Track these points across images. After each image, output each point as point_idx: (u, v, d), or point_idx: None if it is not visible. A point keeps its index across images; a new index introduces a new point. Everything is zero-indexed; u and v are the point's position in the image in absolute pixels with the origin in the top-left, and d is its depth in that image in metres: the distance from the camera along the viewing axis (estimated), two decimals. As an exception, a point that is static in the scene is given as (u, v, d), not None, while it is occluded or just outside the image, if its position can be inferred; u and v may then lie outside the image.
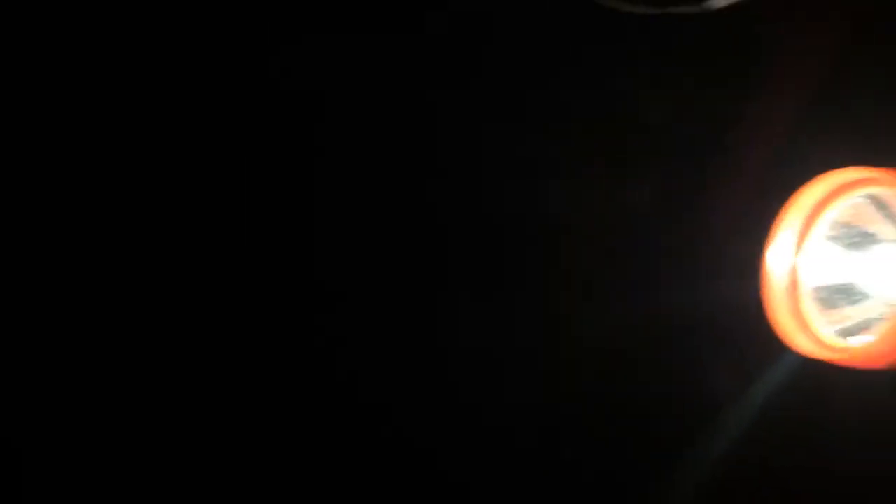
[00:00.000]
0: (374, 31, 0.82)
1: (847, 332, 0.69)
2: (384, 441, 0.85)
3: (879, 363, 0.66)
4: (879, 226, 0.68)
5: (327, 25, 0.84)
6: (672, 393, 0.84)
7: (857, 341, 0.67)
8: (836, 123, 0.77)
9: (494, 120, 0.83)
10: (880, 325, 0.66)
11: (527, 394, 0.85)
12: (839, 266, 0.70)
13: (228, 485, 0.85)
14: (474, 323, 0.84)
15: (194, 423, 0.84)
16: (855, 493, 0.76)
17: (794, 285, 0.71)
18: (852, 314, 0.69)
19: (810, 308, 0.70)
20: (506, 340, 0.84)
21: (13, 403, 0.84)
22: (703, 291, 0.82)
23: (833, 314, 0.70)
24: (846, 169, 0.68)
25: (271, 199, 0.86)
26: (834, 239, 0.70)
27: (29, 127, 0.83)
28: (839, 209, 0.70)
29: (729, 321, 0.81)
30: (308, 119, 0.85)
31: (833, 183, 0.69)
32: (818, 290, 0.70)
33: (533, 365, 0.85)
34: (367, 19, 0.82)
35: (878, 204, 0.68)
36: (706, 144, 0.84)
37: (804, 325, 0.70)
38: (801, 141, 0.79)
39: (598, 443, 0.85)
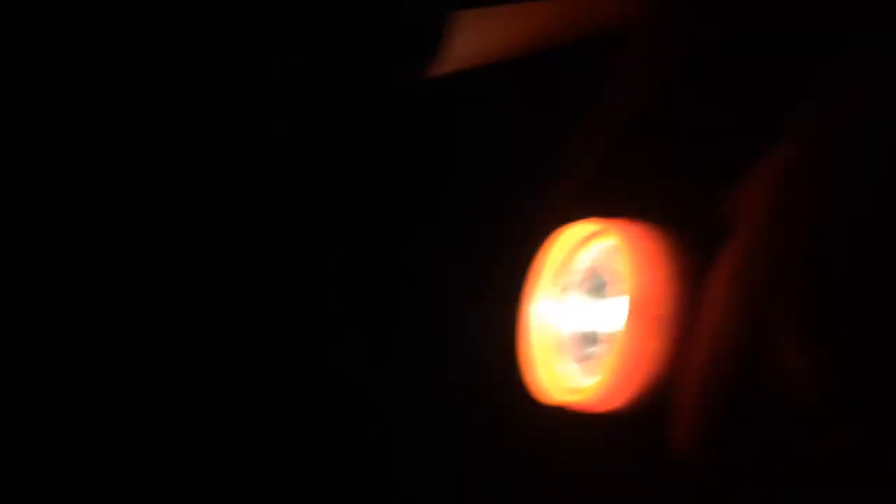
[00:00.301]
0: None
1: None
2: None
3: (605, 407, 0.67)
4: (612, 274, 0.69)
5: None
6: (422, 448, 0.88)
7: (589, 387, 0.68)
8: (577, 174, 0.78)
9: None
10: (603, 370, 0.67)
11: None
12: (585, 314, 0.71)
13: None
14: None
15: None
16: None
17: (547, 335, 0.72)
18: (591, 361, 0.70)
19: (562, 358, 0.71)
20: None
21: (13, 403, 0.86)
22: (455, 348, 0.85)
23: (580, 361, 0.71)
24: (584, 221, 0.70)
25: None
26: (580, 288, 0.72)
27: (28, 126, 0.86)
28: (583, 259, 0.72)
29: (482, 377, 0.83)
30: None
31: (574, 235, 0.71)
32: (570, 337, 0.72)
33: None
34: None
35: (612, 253, 0.70)
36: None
37: (556, 376, 0.71)
38: (540, 194, 0.80)
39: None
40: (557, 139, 0.80)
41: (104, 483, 0.88)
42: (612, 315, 0.69)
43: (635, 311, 0.66)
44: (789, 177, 0.61)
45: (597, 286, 0.71)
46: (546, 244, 0.73)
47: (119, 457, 0.88)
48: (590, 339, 0.71)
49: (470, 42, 0.83)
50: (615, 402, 0.67)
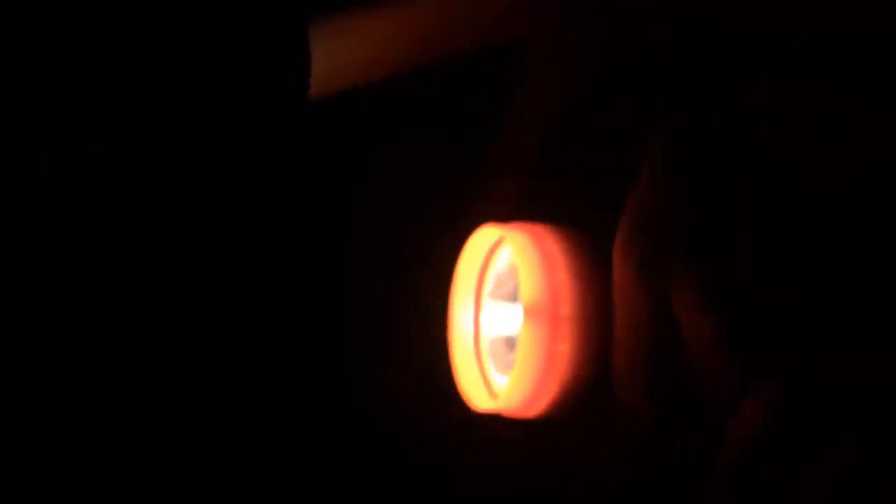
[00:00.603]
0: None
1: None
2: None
3: (528, 413, 0.67)
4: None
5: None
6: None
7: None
8: (489, 177, 0.79)
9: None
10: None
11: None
12: (507, 318, 0.71)
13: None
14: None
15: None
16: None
17: (475, 342, 0.72)
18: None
19: (487, 363, 0.71)
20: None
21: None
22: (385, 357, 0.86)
23: (507, 368, 0.70)
24: (486, 226, 0.70)
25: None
26: (498, 293, 0.72)
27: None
28: (500, 263, 0.72)
29: (413, 384, 0.84)
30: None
31: (482, 240, 0.71)
32: (493, 343, 0.72)
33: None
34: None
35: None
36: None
37: (482, 381, 0.71)
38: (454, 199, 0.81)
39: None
40: (469, 144, 0.81)
41: (105, 482, 0.89)
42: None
43: (530, 315, 0.65)
44: (666, 163, 0.62)
45: (514, 290, 0.71)
46: (462, 250, 0.73)
47: (119, 457, 0.89)
48: (512, 343, 0.70)
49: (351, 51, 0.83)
50: (536, 406, 0.67)
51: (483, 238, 0.71)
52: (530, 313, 0.65)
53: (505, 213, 0.72)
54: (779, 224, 0.60)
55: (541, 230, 0.68)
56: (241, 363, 0.92)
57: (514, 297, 0.71)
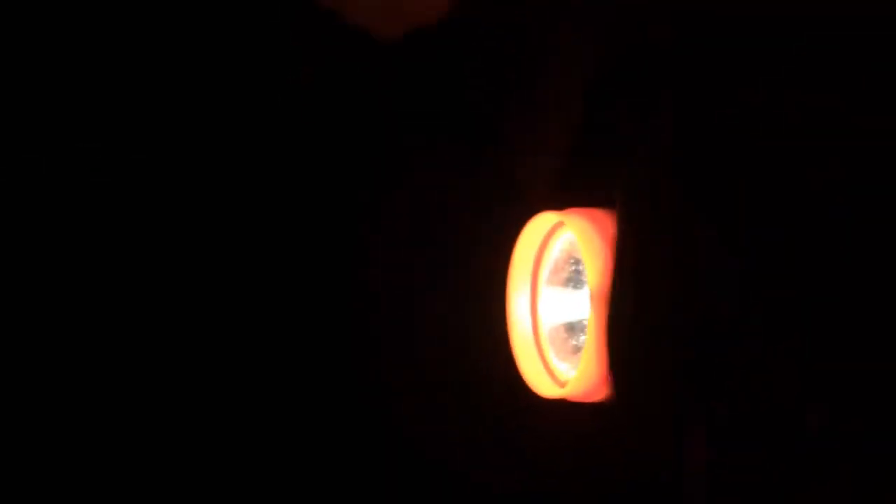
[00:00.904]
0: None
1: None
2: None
3: (590, 397, 0.67)
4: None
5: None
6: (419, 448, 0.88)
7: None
8: (541, 167, 0.79)
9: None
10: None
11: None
12: (566, 305, 0.71)
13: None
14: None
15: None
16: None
17: (535, 329, 0.72)
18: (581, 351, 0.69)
19: (548, 350, 0.71)
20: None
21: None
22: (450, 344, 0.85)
23: (570, 354, 0.71)
24: (544, 213, 0.70)
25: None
26: (558, 278, 0.72)
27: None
28: (556, 249, 0.71)
29: (475, 374, 0.83)
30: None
31: (538, 228, 0.71)
32: (554, 330, 0.71)
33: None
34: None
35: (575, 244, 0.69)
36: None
37: (545, 369, 0.71)
38: (511, 185, 0.81)
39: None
40: (515, 133, 0.81)
41: (105, 482, 0.89)
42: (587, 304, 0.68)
43: (598, 300, 0.65)
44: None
45: (575, 276, 0.71)
46: (516, 239, 0.72)
47: (120, 456, 0.89)
48: (577, 329, 0.71)
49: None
50: (602, 390, 0.67)
51: (539, 225, 0.71)
52: (597, 297, 0.65)
53: (550, 201, 0.72)
54: (778, 224, 0.61)
55: (599, 214, 0.68)
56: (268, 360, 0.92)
57: (572, 282, 0.71)
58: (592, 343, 0.65)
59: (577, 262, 0.71)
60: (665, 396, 0.65)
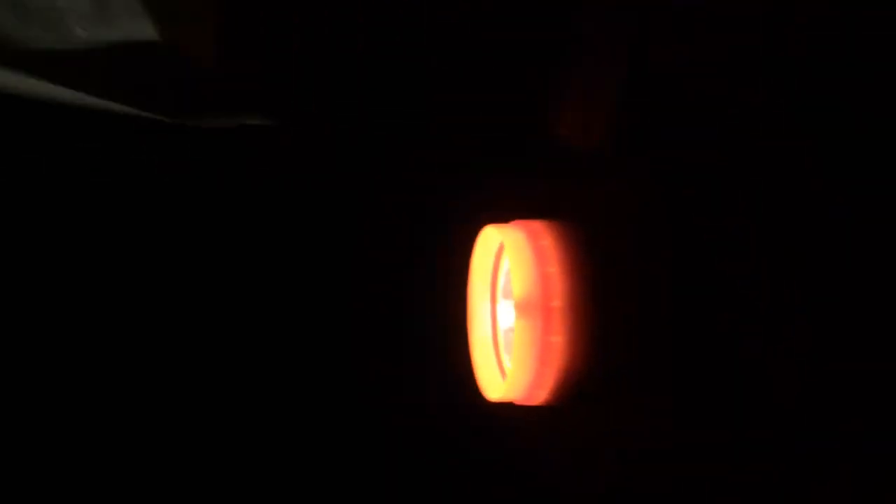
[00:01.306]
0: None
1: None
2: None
3: (535, 400, 0.69)
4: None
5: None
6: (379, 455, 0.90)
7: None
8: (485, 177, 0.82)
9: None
10: None
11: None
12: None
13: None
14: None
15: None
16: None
17: (486, 336, 0.75)
18: None
19: (504, 356, 0.74)
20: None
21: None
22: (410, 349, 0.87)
23: None
24: (490, 227, 0.73)
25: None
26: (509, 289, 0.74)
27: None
28: (507, 262, 0.73)
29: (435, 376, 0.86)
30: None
31: (488, 239, 0.73)
32: (507, 333, 0.74)
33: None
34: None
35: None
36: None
37: (496, 374, 0.74)
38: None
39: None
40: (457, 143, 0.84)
41: (105, 482, 0.89)
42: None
43: (522, 309, 0.67)
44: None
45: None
46: (472, 248, 0.76)
47: (121, 456, 0.90)
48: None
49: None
50: (539, 394, 0.69)
51: (489, 238, 0.74)
52: (522, 308, 0.67)
53: (509, 212, 0.74)
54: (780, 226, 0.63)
55: (537, 226, 0.70)
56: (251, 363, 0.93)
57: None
58: (519, 350, 0.68)
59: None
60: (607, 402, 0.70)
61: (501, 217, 0.73)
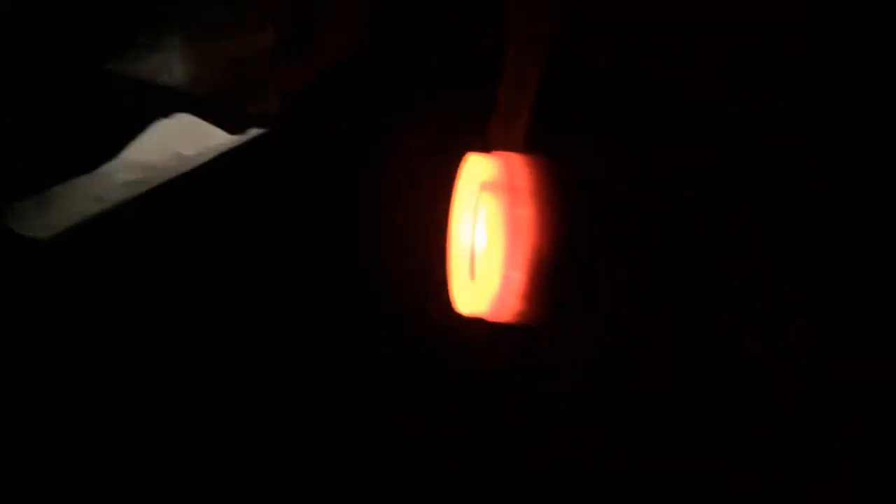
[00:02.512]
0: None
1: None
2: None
3: (501, 312, 0.68)
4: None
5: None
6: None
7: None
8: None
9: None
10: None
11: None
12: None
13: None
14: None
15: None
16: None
17: (464, 253, 0.74)
18: None
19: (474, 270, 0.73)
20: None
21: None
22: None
23: None
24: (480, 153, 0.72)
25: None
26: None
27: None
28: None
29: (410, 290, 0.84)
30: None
31: (476, 164, 0.73)
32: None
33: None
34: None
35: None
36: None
37: (469, 289, 0.73)
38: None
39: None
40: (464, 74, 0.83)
41: (105, 482, 0.88)
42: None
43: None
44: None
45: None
46: (458, 170, 0.75)
47: (120, 456, 0.88)
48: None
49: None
50: (508, 306, 0.68)
51: (475, 162, 0.74)
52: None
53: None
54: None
55: (509, 154, 0.71)
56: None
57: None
58: (490, 257, 0.68)
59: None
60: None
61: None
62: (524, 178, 0.68)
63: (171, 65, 0.70)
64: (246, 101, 0.76)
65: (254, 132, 0.75)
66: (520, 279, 0.67)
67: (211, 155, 0.76)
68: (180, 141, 0.75)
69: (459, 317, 0.72)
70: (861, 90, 0.62)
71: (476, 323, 0.71)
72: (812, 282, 0.63)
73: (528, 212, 0.67)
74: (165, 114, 0.73)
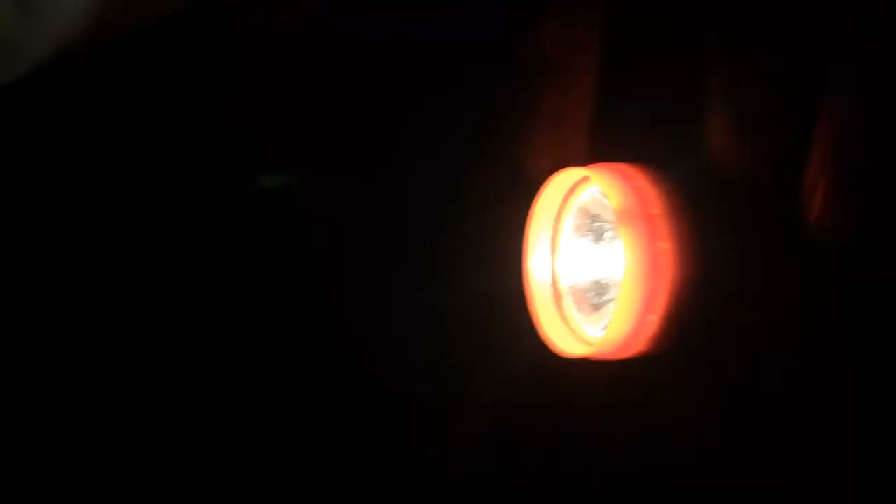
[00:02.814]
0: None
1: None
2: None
3: (620, 353, 0.64)
4: (608, 218, 0.68)
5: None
6: (432, 400, 0.86)
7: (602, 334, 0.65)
8: (560, 122, 0.78)
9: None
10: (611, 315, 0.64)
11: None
12: (589, 260, 0.69)
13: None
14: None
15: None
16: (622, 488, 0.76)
17: (554, 286, 0.70)
18: (605, 309, 0.68)
19: (569, 307, 0.70)
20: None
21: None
22: (464, 293, 0.82)
23: (592, 311, 0.68)
24: (570, 168, 0.68)
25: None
26: (580, 233, 0.70)
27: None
28: (580, 204, 0.69)
29: (492, 327, 0.81)
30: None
31: (567, 180, 0.69)
32: (574, 287, 0.70)
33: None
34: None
35: (603, 198, 0.68)
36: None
37: (566, 326, 0.69)
38: (536, 139, 0.79)
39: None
40: (539, 89, 0.79)
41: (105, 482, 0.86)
42: (616, 260, 0.67)
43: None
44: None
45: (598, 232, 0.69)
46: (538, 194, 0.70)
47: (120, 456, 0.87)
48: (601, 286, 0.69)
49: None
50: (632, 348, 0.65)
51: (560, 182, 0.69)
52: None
53: (575, 157, 0.72)
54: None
55: (629, 169, 0.66)
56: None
57: (592, 236, 0.70)
58: (626, 299, 0.63)
59: (597, 217, 0.69)
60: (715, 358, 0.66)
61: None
62: (658, 204, 0.63)
63: None
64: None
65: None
66: (656, 322, 0.64)
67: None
68: None
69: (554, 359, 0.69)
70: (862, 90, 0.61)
71: (579, 364, 0.68)
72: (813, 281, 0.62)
73: (668, 246, 0.63)
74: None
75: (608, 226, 0.69)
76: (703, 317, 0.64)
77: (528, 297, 0.70)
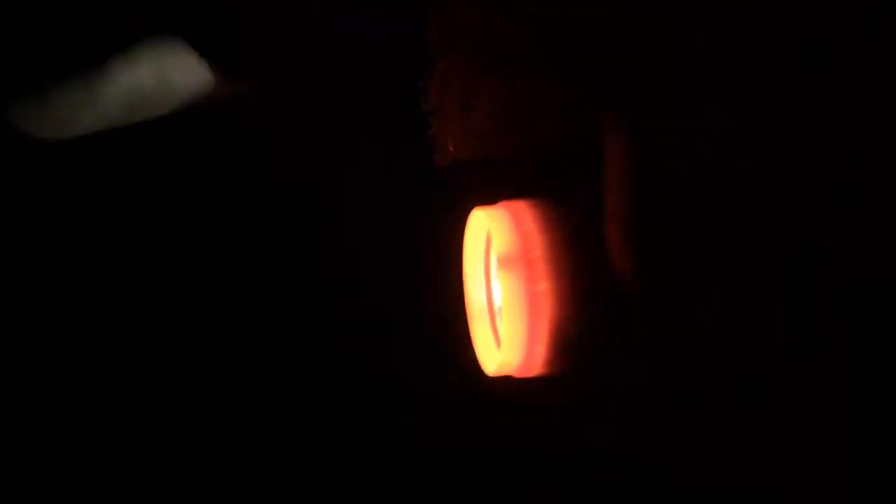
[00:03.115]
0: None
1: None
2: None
3: (522, 375, 0.71)
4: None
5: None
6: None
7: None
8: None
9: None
10: None
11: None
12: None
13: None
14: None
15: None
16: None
17: (488, 307, 0.76)
18: None
19: (495, 328, 0.76)
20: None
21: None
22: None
23: None
24: (477, 209, 0.74)
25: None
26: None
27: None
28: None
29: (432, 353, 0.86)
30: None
31: (478, 221, 0.75)
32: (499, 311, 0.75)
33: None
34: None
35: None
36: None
37: (489, 349, 0.76)
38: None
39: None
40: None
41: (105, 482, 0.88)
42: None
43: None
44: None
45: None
46: (462, 231, 0.77)
47: (119, 456, 0.88)
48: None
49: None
50: (530, 371, 0.71)
51: (477, 220, 0.76)
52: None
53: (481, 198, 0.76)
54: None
55: (517, 203, 0.72)
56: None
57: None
58: (508, 335, 0.70)
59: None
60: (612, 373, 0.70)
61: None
62: (538, 248, 0.69)
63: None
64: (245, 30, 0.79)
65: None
66: (542, 352, 0.70)
67: (197, 89, 0.78)
68: (170, 67, 0.78)
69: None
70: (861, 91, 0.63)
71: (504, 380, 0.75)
72: (812, 281, 0.64)
73: (546, 287, 0.69)
74: (157, 36, 0.77)
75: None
76: (585, 343, 0.70)
77: (466, 320, 0.77)
